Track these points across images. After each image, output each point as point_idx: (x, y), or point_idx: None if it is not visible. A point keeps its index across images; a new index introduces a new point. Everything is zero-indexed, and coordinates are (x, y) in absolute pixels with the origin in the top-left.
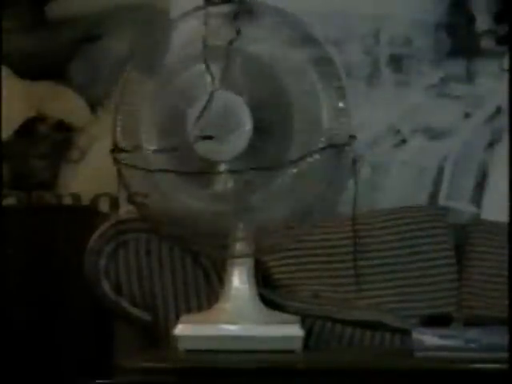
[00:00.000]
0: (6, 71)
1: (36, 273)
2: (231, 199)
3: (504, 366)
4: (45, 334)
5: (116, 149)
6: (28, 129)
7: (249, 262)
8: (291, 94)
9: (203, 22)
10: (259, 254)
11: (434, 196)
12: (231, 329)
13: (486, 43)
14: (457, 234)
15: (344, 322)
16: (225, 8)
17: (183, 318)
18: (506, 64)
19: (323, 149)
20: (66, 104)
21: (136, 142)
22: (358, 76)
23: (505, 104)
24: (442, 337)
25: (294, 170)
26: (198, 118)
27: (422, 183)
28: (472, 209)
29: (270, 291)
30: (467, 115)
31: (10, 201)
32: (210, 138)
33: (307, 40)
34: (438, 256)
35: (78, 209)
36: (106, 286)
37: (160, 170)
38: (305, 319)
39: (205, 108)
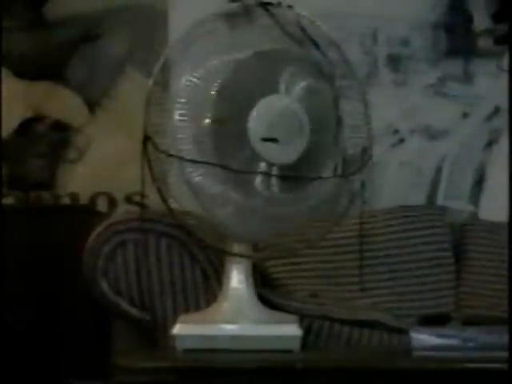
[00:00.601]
0: (4, 71)
1: (34, 272)
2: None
3: (502, 366)
4: (43, 333)
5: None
6: (26, 129)
7: (247, 262)
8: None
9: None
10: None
11: (432, 195)
12: (229, 328)
13: (484, 43)
14: (455, 233)
15: (342, 322)
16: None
17: (181, 317)
18: (504, 64)
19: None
20: (64, 104)
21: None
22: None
23: (503, 104)
24: (439, 336)
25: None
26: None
27: (420, 183)
28: (470, 208)
29: (268, 291)
30: (465, 115)
31: (8, 200)
32: (275, 140)
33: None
34: (435, 255)
35: (76, 208)
36: (105, 286)
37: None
38: (303, 319)
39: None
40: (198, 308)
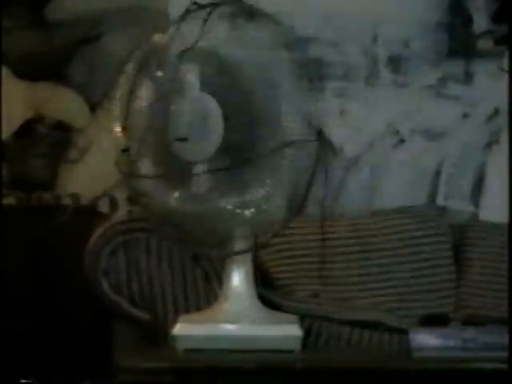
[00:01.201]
0: (5, 72)
1: (35, 273)
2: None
3: (502, 366)
4: (44, 333)
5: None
6: (27, 129)
7: (248, 262)
8: (258, 97)
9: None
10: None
11: (432, 196)
12: (230, 328)
13: (484, 44)
14: (455, 234)
15: (342, 322)
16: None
17: (182, 317)
18: (504, 64)
19: (287, 145)
20: (65, 104)
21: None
22: (356, 77)
23: (503, 105)
24: (439, 336)
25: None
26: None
27: (420, 183)
28: (470, 209)
29: (268, 291)
30: (465, 116)
31: (9, 201)
32: (185, 139)
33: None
34: (436, 256)
35: (77, 209)
36: (106, 286)
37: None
38: (303, 319)
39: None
40: (198, 308)
